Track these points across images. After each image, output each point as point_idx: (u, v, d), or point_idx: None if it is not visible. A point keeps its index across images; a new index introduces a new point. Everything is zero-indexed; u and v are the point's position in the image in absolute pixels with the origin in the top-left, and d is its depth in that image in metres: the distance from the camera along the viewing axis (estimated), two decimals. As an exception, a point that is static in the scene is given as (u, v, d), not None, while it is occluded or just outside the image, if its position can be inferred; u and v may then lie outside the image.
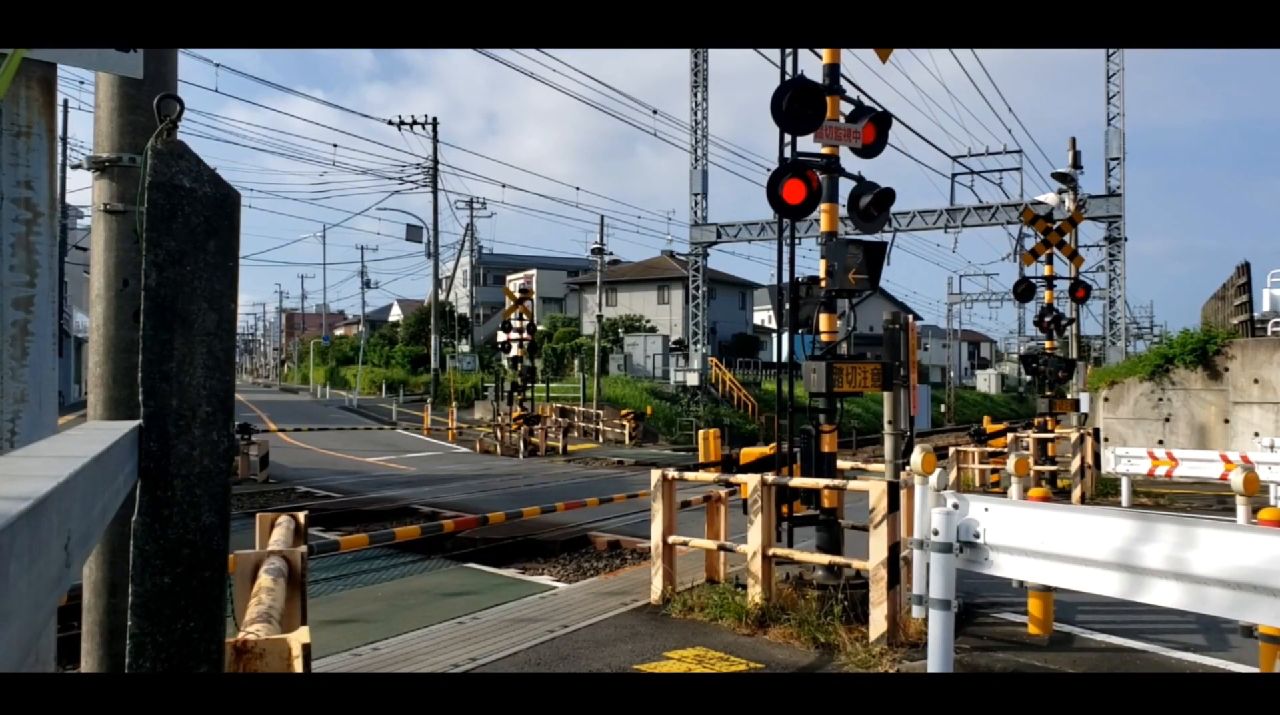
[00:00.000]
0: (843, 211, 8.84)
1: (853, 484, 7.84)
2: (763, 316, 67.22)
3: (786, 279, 8.70)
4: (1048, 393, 17.81)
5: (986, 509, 5.49)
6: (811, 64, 13.62)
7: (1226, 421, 19.55)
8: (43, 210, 2.59)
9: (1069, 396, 18.70)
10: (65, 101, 35.45)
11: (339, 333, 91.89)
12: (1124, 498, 15.26)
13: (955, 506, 5.53)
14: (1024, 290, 18.51)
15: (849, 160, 8.71)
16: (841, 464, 9.23)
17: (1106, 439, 19.91)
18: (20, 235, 2.55)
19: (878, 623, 6.77)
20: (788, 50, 8.80)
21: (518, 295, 29.91)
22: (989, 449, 17.80)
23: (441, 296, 56.89)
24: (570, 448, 30.04)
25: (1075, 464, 16.16)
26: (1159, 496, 16.29)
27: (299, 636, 2.08)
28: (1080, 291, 19.29)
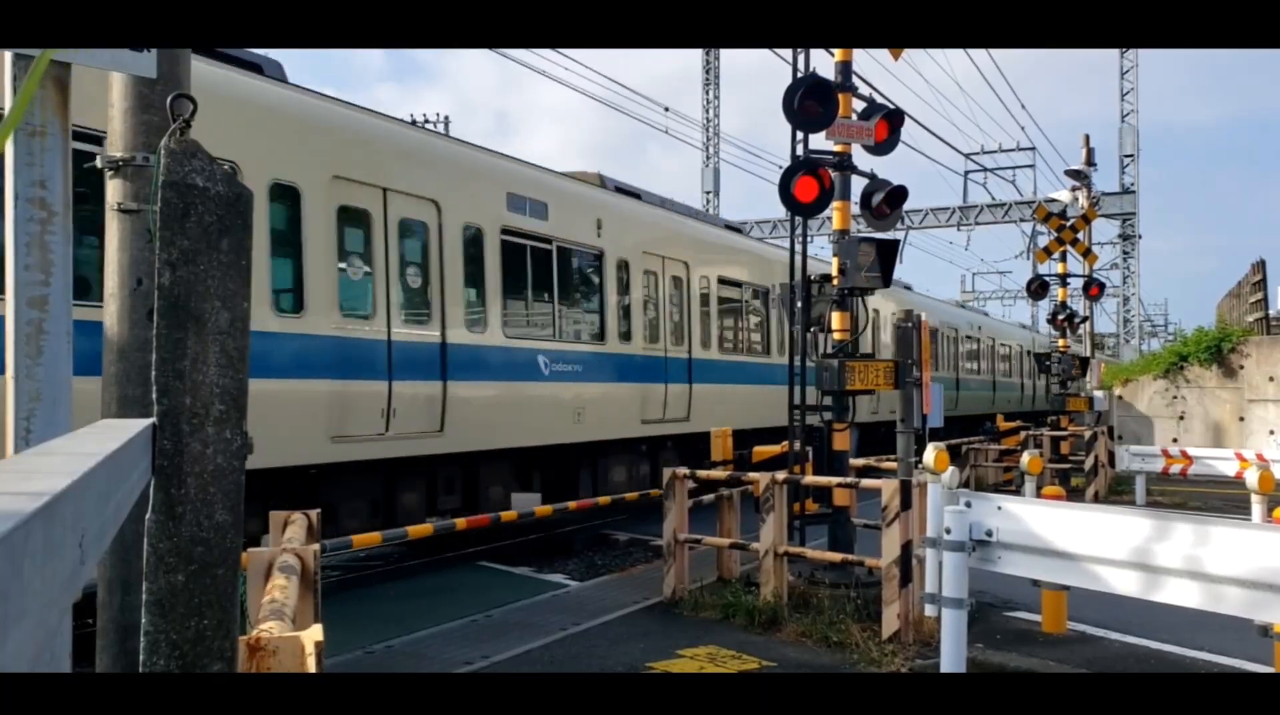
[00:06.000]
0: (855, 209, 8.82)
1: (865, 482, 7.82)
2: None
3: (799, 277, 8.69)
4: (1061, 391, 17.75)
5: (999, 507, 5.46)
6: (824, 61, 13.55)
7: (1241, 419, 19.44)
8: (57, 209, 2.60)
9: (1083, 394, 18.61)
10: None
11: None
12: (1138, 496, 15.18)
13: (968, 505, 5.51)
14: (1037, 288, 18.45)
15: (861, 158, 8.70)
16: (854, 461, 9.21)
17: (1120, 437, 19.82)
18: (35, 234, 2.57)
19: (890, 621, 6.75)
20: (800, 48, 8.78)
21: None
22: (1002, 447, 17.74)
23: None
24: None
25: (1089, 462, 16.08)
26: (1174, 495, 16.20)
27: (312, 634, 2.09)
28: (1094, 289, 19.20)
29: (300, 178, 8.54)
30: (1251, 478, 7.96)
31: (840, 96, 8.26)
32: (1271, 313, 24.32)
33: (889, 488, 6.94)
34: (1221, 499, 15.14)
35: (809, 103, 8.02)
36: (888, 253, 8.37)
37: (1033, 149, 39.36)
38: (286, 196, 8.48)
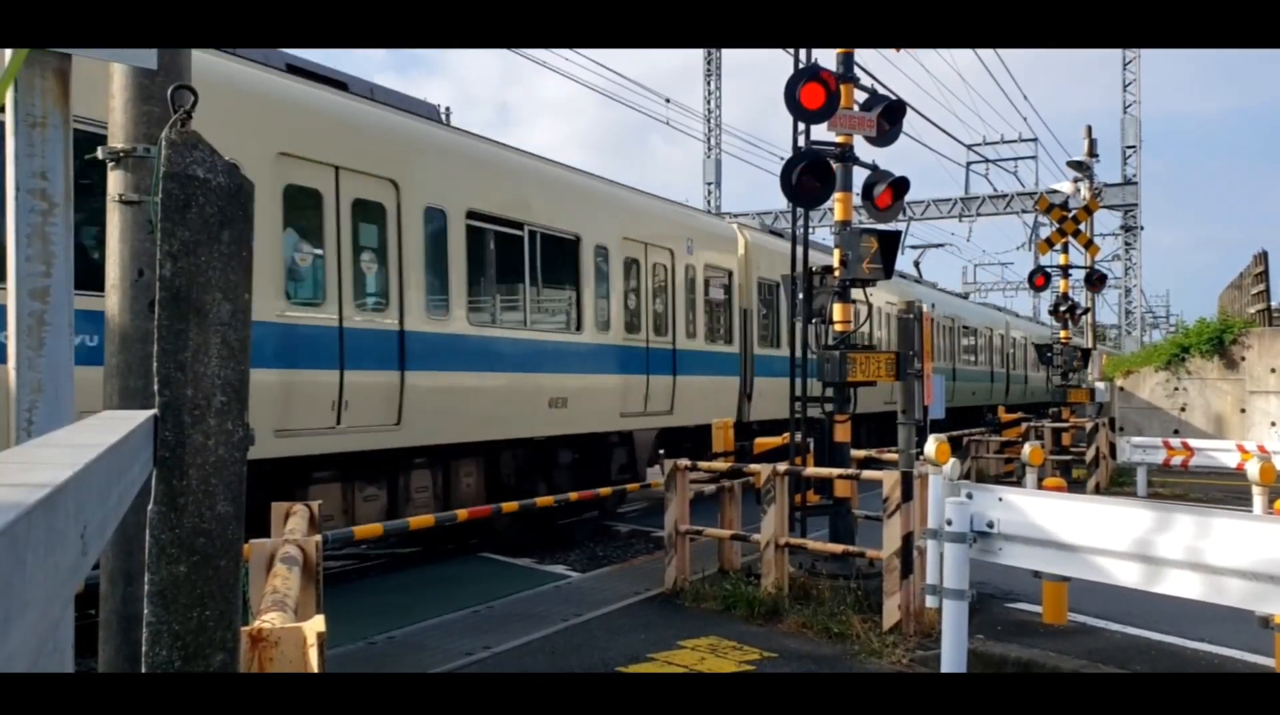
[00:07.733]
0: (857, 200, 8.81)
1: (866, 473, 7.82)
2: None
3: (800, 268, 8.68)
4: (1061, 382, 17.73)
5: (1000, 499, 5.46)
6: (825, 52, 13.60)
7: (1243, 411, 19.43)
8: (59, 201, 2.60)
9: (1084, 386, 18.60)
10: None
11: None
12: (1140, 488, 15.18)
13: (969, 496, 5.51)
14: (1039, 279, 18.44)
15: (863, 149, 8.68)
16: (855, 453, 9.21)
17: (1122, 429, 19.82)
18: (36, 226, 2.56)
19: (891, 612, 6.76)
20: (801, 38, 8.76)
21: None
22: (1004, 439, 17.74)
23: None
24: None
25: (1090, 454, 16.08)
26: (1175, 486, 16.20)
27: (314, 625, 2.09)
28: (1096, 280, 19.18)
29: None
30: (1253, 469, 7.95)
31: (842, 88, 8.24)
32: (1273, 304, 24.27)
33: (890, 479, 6.95)
34: (1222, 491, 15.14)
35: (811, 94, 8.00)
36: (889, 244, 8.36)
37: (1035, 140, 39.24)
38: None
